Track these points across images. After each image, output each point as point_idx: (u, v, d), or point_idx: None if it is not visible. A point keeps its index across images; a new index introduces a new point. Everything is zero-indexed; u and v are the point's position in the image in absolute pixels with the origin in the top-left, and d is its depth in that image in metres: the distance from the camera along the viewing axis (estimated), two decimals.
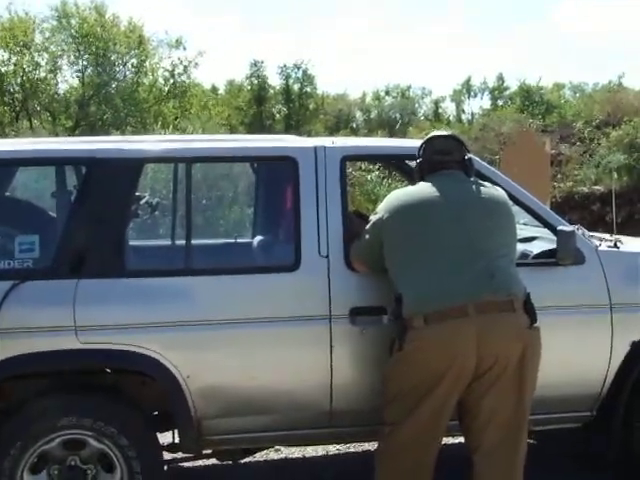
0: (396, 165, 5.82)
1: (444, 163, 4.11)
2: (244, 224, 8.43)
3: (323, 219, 4.25)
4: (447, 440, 5.19)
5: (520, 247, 4.61)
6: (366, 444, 5.45)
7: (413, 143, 4.62)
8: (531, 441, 5.43)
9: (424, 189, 4.03)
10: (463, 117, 50.14)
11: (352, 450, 5.71)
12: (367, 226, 4.13)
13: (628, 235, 6.49)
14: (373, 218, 4.11)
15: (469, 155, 4.18)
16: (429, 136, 4.27)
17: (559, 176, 15.48)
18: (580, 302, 4.45)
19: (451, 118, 48.68)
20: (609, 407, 4.54)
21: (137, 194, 4.56)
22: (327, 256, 4.22)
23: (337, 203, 4.29)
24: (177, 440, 4.30)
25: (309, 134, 24.69)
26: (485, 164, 4.57)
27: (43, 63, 30.32)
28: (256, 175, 5.62)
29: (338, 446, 5.68)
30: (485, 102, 51.86)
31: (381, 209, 4.08)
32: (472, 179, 4.11)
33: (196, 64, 32.28)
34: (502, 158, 11.76)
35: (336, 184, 4.31)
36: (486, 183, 4.12)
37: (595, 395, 4.53)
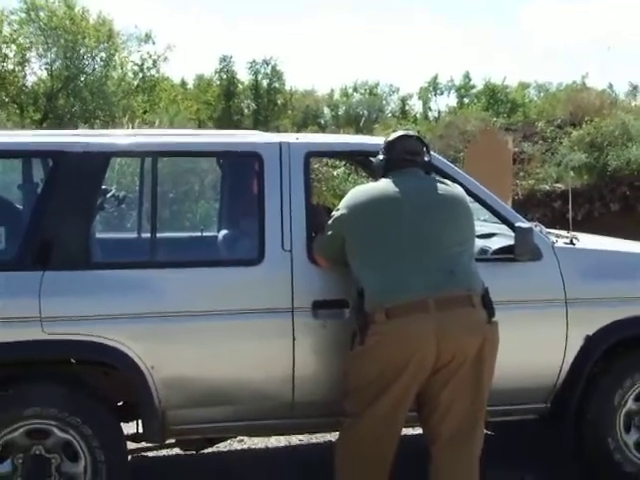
0: (359, 161, 5.90)
1: (409, 162, 4.19)
2: (210, 218, 8.47)
3: (287, 214, 4.31)
4: (406, 431, 5.29)
5: (480, 243, 4.71)
6: (328, 435, 5.53)
7: (377, 140, 4.71)
8: (488, 432, 5.56)
9: (386, 186, 4.10)
10: (430, 115, 50.32)
11: (314, 441, 5.79)
12: (330, 221, 4.20)
13: (587, 232, 6.61)
14: (336, 214, 4.17)
15: (430, 157, 4.29)
16: (398, 135, 4.33)
17: (522, 174, 15.61)
18: (537, 297, 4.55)
19: (418, 115, 48.82)
20: (563, 400, 4.65)
21: (103, 187, 4.60)
22: (290, 250, 4.29)
23: (301, 198, 4.36)
24: (141, 430, 4.34)
25: (277, 130, 24.67)
26: (446, 161, 4.66)
27: (11, 55, 30.05)
28: (222, 170, 5.67)
29: (300, 436, 5.76)
30: (452, 100, 52.11)
31: (343, 205, 4.15)
32: (432, 177, 4.21)
33: (165, 58, 32.23)
34: (466, 156, 11.88)
35: (300, 179, 4.38)
36: (446, 180, 4.21)
37: (550, 387, 4.64)
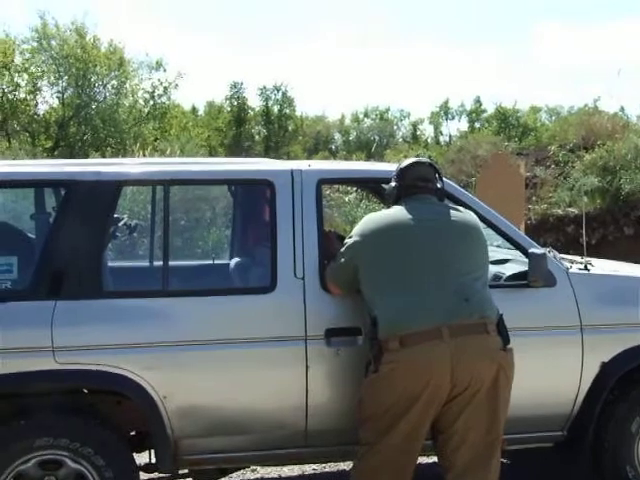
0: (371, 188, 5.90)
1: (422, 189, 4.18)
2: (222, 246, 8.48)
3: (299, 241, 4.30)
4: (421, 460, 5.24)
5: (493, 269, 4.68)
6: (342, 464, 5.48)
7: (388, 167, 4.71)
8: (504, 460, 5.50)
9: (398, 213, 4.10)
10: (441, 139, 50.41)
11: (328, 470, 5.74)
12: (342, 249, 4.19)
13: (601, 257, 6.57)
14: (348, 241, 4.16)
15: (442, 184, 4.28)
16: (410, 162, 4.33)
17: (534, 198, 15.59)
18: (551, 323, 4.52)
19: (429, 140, 48.90)
20: (580, 427, 4.61)
21: (115, 216, 4.61)
22: (303, 278, 4.27)
23: (313, 225, 4.35)
24: (153, 460, 4.32)
25: (288, 156, 24.75)
26: (458, 187, 4.65)
27: (23, 84, 30.26)
28: (234, 198, 5.67)
29: (314, 466, 5.72)
30: (463, 124, 52.20)
31: (356, 232, 4.14)
32: (445, 203, 4.20)
33: (176, 85, 32.39)
34: (478, 181, 11.86)
35: (312, 207, 4.38)
36: (458, 207, 4.21)
37: (566, 415, 4.60)
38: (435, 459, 4.26)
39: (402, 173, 4.26)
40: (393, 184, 4.27)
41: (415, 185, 4.19)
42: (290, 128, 35.86)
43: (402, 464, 3.94)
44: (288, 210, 4.34)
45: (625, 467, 4.62)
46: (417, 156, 4.63)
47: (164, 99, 32.76)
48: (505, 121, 37.03)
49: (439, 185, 4.24)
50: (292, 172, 4.44)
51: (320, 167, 4.72)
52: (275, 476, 5.69)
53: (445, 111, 54.38)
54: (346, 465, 5.24)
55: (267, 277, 4.30)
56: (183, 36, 76.93)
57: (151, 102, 32.46)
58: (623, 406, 4.66)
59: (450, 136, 48.99)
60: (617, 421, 4.64)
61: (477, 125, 48.51)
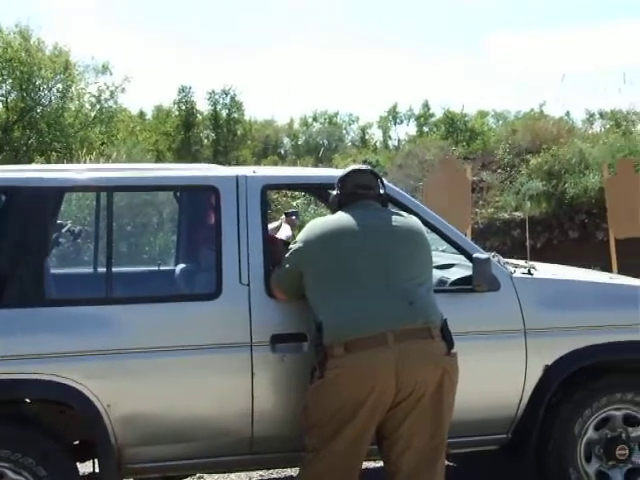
0: (317, 194, 5.90)
1: (363, 196, 4.20)
2: (168, 252, 8.42)
3: (244, 247, 4.29)
4: (368, 464, 5.25)
5: (438, 274, 4.72)
6: (289, 470, 5.47)
7: (332, 172, 4.73)
8: (450, 464, 5.54)
9: (342, 219, 4.11)
10: (390, 143, 50.62)
11: (275, 476, 5.72)
12: (287, 254, 4.19)
13: (546, 260, 6.66)
14: (293, 247, 4.17)
15: (385, 190, 4.29)
16: (349, 170, 4.35)
17: (481, 202, 15.77)
18: (495, 327, 4.55)
19: (378, 144, 49.08)
20: (524, 430, 4.65)
21: (59, 222, 4.55)
22: (248, 284, 4.26)
23: (258, 232, 4.33)
24: (97, 469, 4.27)
25: (237, 160, 24.68)
26: (402, 193, 4.67)
27: None
28: (179, 204, 5.63)
29: (261, 472, 5.69)
30: (411, 129, 52.45)
31: (300, 238, 4.14)
32: (388, 209, 4.22)
33: (123, 89, 32.04)
34: (425, 185, 11.92)
35: (257, 213, 4.36)
36: (402, 212, 4.23)
37: (511, 418, 4.63)
38: (381, 464, 4.27)
39: (342, 181, 4.28)
40: (335, 192, 4.29)
41: (355, 192, 4.21)
42: (239, 132, 35.71)
43: (348, 469, 3.95)
44: (233, 216, 4.32)
45: (568, 469, 4.66)
46: (364, 161, 4.67)
47: (111, 103, 32.41)
48: (453, 125, 37.26)
49: (382, 191, 4.26)
50: (237, 178, 4.42)
51: (265, 173, 4.71)
52: None
53: (394, 115, 54.62)
54: (293, 471, 5.22)
55: (212, 283, 4.27)
56: (130, 40, 76.37)
57: (97, 106, 32.08)
58: (566, 408, 4.70)
59: (399, 140, 49.24)
60: (561, 423, 4.68)
61: (425, 129, 48.78)
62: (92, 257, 5.47)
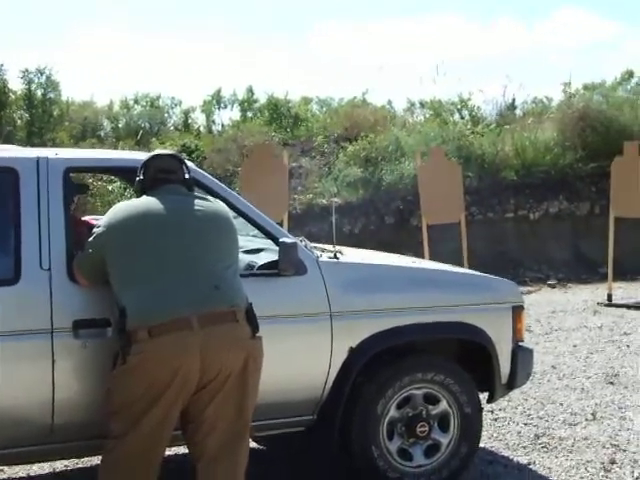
0: (125, 178, 5.80)
1: (165, 180, 4.17)
2: None
3: (45, 231, 4.16)
4: (178, 450, 5.24)
5: (247, 258, 4.73)
6: (95, 459, 5.35)
7: (137, 156, 4.64)
8: (259, 446, 5.60)
9: (145, 203, 4.06)
10: (213, 128, 50.36)
11: (81, 466, 5.60)
12: (90, 239, 4.10)
13: (363, 245, 6.80)
14: (96, 231, 4.07)
15: (190, 174, 4.28)
16: (151, 155, 4.32)
17: (300, 188, 15.93)
18: (301, 311, 4.62)
19: (201, 129, 48.74)
20: (329, 411, 4.75)
21: None
22: (49, 269, 4.14)
23: (60, 215, 4.21)
24: None
25: (53, 142, 23.88)
26: (209, 177, 4.65)
27: None
28: None
29: (65, 462, 5.55)
30: (235, 114, 52.35)
31: (103, 222, 4.06)
32: (194, 193, 4.20)
33: None
34: (242, 170, 11.94)
35: (59, 196, 4.24)
36: (208, 197, 4.22)
37: (316, 400, 4.72)
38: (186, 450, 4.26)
39: (145, 166, 4.24)
40: (138, 177, 4.24)
41: (158, 177, 4.17)
42: (55, 113, 34.46)
43: (151, 454, 3.91)
44: (33, 199, 4.18)
45: (371, 447, 4.80)
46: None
47: None
48: (277, 111, 37.41)
49: (187, 175, 4.24)
50: (38, 160, 4.27)
51: (68, 155, 4.57)
52: (24, 475, 5.48)
53: (217, 100, 54.34)
54: (98, 459, 5.13)
55: (11, 269, 4.12)
56: None
57: None
58: (370, 388, 4.83)
59: (222, 125, 49.01)
60: (364, 403, 4.80)
61: (249, 115, 48.79)
62: None
